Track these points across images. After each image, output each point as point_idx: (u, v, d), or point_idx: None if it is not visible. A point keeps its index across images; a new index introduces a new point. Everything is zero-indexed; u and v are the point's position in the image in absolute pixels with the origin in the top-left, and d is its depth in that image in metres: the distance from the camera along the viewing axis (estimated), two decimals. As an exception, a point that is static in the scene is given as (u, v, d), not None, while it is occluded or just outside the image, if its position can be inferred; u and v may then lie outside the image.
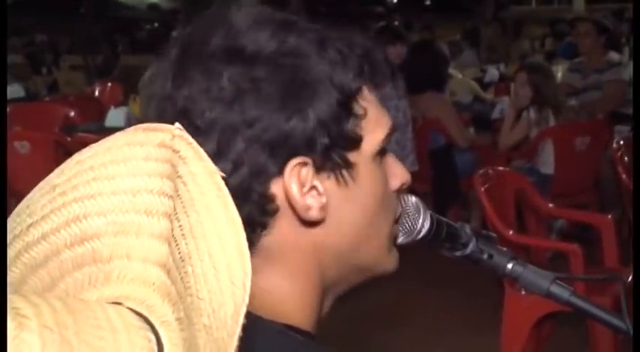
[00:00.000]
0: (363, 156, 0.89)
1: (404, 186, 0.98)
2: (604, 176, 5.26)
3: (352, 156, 0.88)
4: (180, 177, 0.63)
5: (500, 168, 4.23)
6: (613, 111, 5.79)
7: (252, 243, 0.85)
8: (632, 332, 1.02)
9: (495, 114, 6.47)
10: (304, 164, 0.85)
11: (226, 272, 0.59)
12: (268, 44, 0.85)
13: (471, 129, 6.10)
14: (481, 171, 3.78)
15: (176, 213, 0.62)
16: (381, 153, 0.93)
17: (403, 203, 1.02)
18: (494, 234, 1.13)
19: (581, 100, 5.86)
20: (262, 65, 0.84)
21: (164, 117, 0.84)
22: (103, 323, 0.53)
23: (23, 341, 0.49)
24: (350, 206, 0.90)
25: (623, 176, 4.22)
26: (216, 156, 0.81)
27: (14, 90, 7.95)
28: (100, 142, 0.67)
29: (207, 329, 0.58)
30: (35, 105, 7.82)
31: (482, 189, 3.60)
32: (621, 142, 4.48)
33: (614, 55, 6.11)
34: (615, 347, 3.30)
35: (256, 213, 0.85)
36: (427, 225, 1.04)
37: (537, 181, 4.64)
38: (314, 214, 0.87)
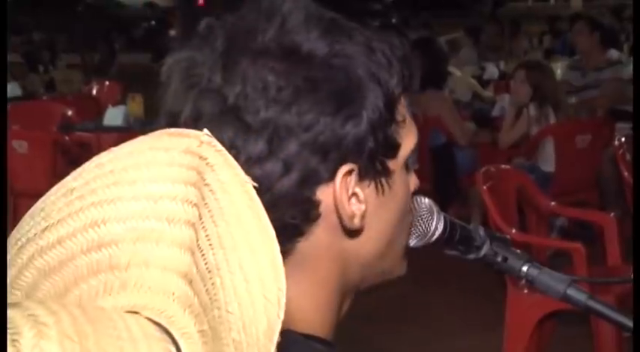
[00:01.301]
0: (398, 164, 0.88)
1: (414, 191, 0.97)
2: (605, 174, 5.25)
3: (391, 164, 0.87)
4: (207, 185, 0.61)
5: (502, 166, 4.22)
6: (613, 108, 5.77)
7: (287, 250, 0.82)
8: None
9: (495, 112, 6.46)
10: (351, 171, 0.83)
11: (259, 286, 0.58)
12: (321, 44, 0.82)
13: (471, 127, 6.08)
14: (483, 169, 3.76)
15: (202, 222, 0.60)
16: (408, 160, 0.91)
17: (417, 205, 1.01)
18: (507, 236, 1.11)
19: (581, 98, 5.85)
20: (318, 66, 0.81)
21: (204, 110, 0.80)
22: (123, 333, 0.51)
23: (42, 350, 0.48)
24: (384, 214, 0.88)
25: (626, 173, 4.21)
26: (265, 157, 0.79)
27: (11, 89, 7.91)
28: (122, 145, 0.65)
29: (236, 344, 0.56)
30: (32, 104, 7.79)
31: (485, 187, 3.58)
32: (623, 139, 4.47)
33: (613, 53, 6.11)
34: (619, 346, 3.28)
35: (300, 219, 0.82)
36: (441, 228, 1.02)
37: (538, 179, 4.63)
38: (357, 222, 0.84)
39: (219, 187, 0.61)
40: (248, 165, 0.77)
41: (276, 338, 0.55)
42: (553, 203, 4.06)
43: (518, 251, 1.10)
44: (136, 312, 0.55)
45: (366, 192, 0.85)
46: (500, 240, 1.09)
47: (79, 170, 0.65)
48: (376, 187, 0.86)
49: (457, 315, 4.40)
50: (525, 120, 5.10)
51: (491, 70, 9.07)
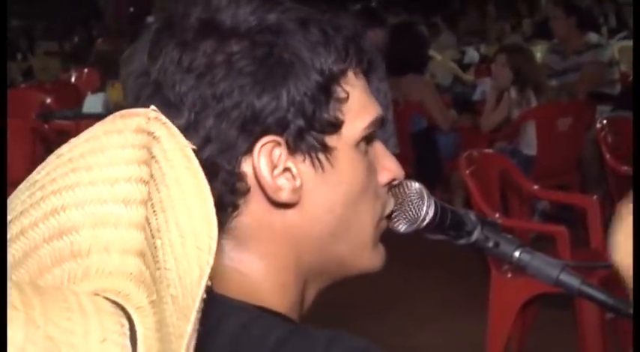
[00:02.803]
0: (343, 142, 0.87)
1: (395, 181, 0.95)
2: (586, 156, 5.27)
3: (331, 141, 0.86)
4: (153, 157, 0.63)
5: (485, 150, 4.21)
6: (594, 91, 5.78)
7: (222, 222, 0.82)
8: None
9: (476, 96, 6.47)
10: (277, 144, 0.83)
11: (192, 239, 0.59)
12: (247, 20, 0.83)
13: (453, 111, 6.08)
14: (466, 154, 3.75)
15: (149, 195, 0.61)
16: (367, 140, 0.89)
17: (407, 190, 0.99)
18: (499, 221, 1.09)
19: (562, 82, 5.86)
20: (238, 40, 0.83)
21: (142, 93, 0.83)
22: (74, 306, 0.52)
23: None
24: (327, 191, 0.87)
25: (607, 156, 4.21)
26: (187, 131, 0.79)
27: (-12, 77, 7.81)
28: (80, 135, 0.66)
29: (173, 299, 0.57)
30: (11, 92, 7.67)
31: (468, 171, 3.57)
32: (605, 122, 4.47)
33: (593, 37, 6.10)
34: (602, 329, 3.29)
35: (225, 191, 0.83)
36: (431, 213, 1.00)
37: (520, 163, 4.63)
38: (285, 196, 0.84)
39: (162, 156, 0.63)
40: None
41: (204, 281, 0.56)
42: (536, 186, 4.06)
43: (510, 236, 1.08)
44: (96, 294, 0.56)
45: (300, 167, 0.85)
46: (491, 225, 1.07)
47: (43, 163, 0.66)
48: (313, 163, 0.85)
49: (441, 300, 4.40)
50: (507, 103, 5.10)
51: (472, 54, 9.09)
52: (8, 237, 0.61)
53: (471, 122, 5.75)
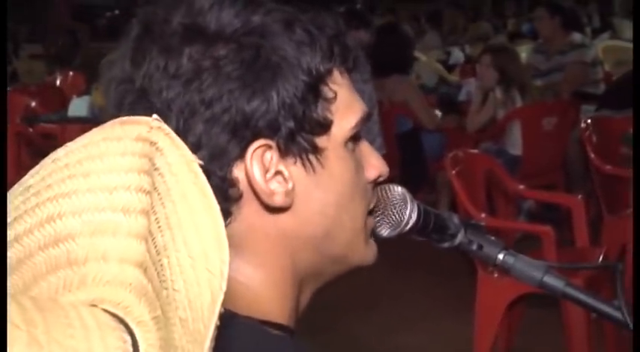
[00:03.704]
0: (333, 142, 0.86)
1: (381, 178, 0.94)
2: (571, 155, 5.28)
3: (321, 141, 0.85)
4: (157, 169, 0.61)
5: (471, 150, 4.22)
6: (578, 90, 5.81)
7: None
8: (630, 323, 0.97)
9: (462, 97, 6.47)
10: (268, 147, 0.82)
11: (203, 261, 0.57)
12: (232, 23, 0.82)
13: (438, 112, 6.08)
14: (451, 154, 3.76)
15: (153, 207, 0.59)
16: (354, 139, 0.89)
17: (389, 194, 0.98)
18: (483, 223, 1.09)
19: (546, 82, 5.87)
20: (224, 44, 0.81)
21: (125, 99, 0.81)
22: (75, 322, 0.51)
23: None
24: (319, 193, 0.86)
25: (592, 155, 4.22)
26: None
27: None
28: (77, 139, 0.65)
29: (182, 323, 0.55)
30: (-5, 96, 7.65)
31: (454, 171, 3.57)
32: (589, 121, 4.48)
33: (576, 36, 6.12)
34: (588, 328, 3.30)
35: (218, 198, 0.81)
36: (414, 217, 0.99)
37: (505, 162, 4.63)
38: (278, 200, 0.83)
39: (167, 170, 0.61)
40: None
41: (217, 309, 0.54)
42: (521, 186, 4.07)
43: (493, 238, 1.07)
44: (94, 305, 0.54)
45: (291, 169, 0.84)
46: (474, 228, 1.07)
47: (36, 167, 0.64)
48: (304, 165, 0.84)
49: (427, 300, 4.40)
50: (492, 104, 5.11)
51: (457, 55, 9.10)
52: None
53: (457, 122, 5.76)
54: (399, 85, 5.59)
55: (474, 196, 3.65)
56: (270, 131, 0.81)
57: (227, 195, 0.81)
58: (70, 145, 0.64)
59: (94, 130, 0.65)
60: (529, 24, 10.21)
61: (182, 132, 0.79)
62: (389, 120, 5.56)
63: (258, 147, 0.81)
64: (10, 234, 0.60)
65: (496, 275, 3.33)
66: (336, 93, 0.85)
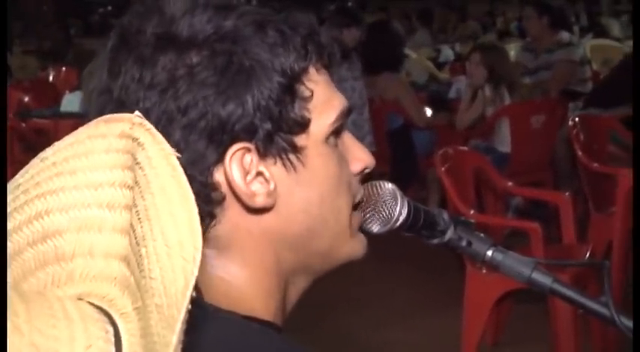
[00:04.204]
0: (313, 140, 0.86)
1: (367, 170, 0.94)
2: (559, 153, 5.30)
3: (300, 140, 0.85)
4: (138, 163, 0.62)
5: (460, 147, 4.22)
6: (566, 89, 5.82)
7: (202, 233, 0.81)
8: (617, 319, 0.98)
9: (451, 94, 6.47)
10: (247, 150, 0.82)
11: (178, 249, 0.58)
12: (204, 29, 0.82)
13: (428, 109, 6.09)
14: (441, 151, 3.76)
15: (134, 201, 0.61)
16: (336, 134, 0.89)
17: (380, 191, 0.98)
18: (472, 220, 1.09)
19: (534, 80, 5.89)
20: (197, 51, 0.81)
21: (105, 109, 0.81)
22: (58, 313, 0.51)
23: None
24: (302, 191, 0.86)
25: (579, 153, 4.23)
26: None
27: (-34, 75, 7.72)
28: (65, 138, 0.65)
29: (158, 309, 0.56)
30: (-12, 91, 7.61)
31: (443, 168, 3.58)
32: (577, 120, 4.49)
33: (564, 35, 6.14)
34: (574, 323, 3.31)
35: (201, 202, 0.80)
36: (404, 213, 0.99)
37: (494, 160, 4.64)
38: (260, 201, 0.83)
39: (147, 163, 0.62)
40: None
41: (189, 292, 0.55)
42: (510, 183, 4.08)
43: (482, 234, 1.07)
44: (80, 299, 0.55)
45: (272, 170, 0.84)
46: (464, 224, 1.07)
47: (26, 166, 0.65)
48: (284, 164, 0.84)
49: (417, 296, 4.40)
50: (481, 101, 5.12)
51: (447, 53, 9.11)
52: None
53: (447, 120, 5.76)
54: (390, 82, 5.59)
55: (463, 193, 3.65)
56: (248, 134, 0.82)
57: (210, 199, 0.82)
58: (57, 144, 0.65)
59: (80, 129, 0.66)
60: (517, 23, 10.24)
61: None
62: (380, 118, 5.56)
63: (237, 150, 0.81)
64: None
65: (484, 271, 3.34)
66: (312, 92, 0.85)
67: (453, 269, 3.97)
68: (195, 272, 0.56)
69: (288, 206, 0.85)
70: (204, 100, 0.80)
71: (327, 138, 0.87)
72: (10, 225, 0.60)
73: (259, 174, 0.83)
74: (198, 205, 0.81)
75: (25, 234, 0.59)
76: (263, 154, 0.83)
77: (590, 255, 3.49)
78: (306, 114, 0.85)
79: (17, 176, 0.65)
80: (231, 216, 0.84)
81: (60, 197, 0.60)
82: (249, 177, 0.82)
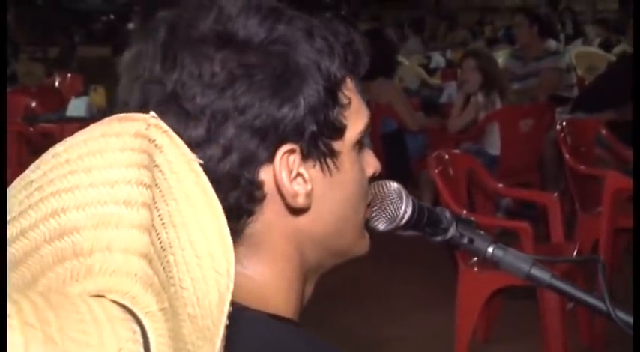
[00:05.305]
0: (346, 145, 0.87)
1: (375, 174, 0.96)
2: (546, 156, 5.31)
3: (337, 145, 0.86)
4: (157, 166, 0.61)
5: (453, 150, 4.23)
6: (553, 94, 5.84)
7: (238, 231, 0.83)
8: (612, 313, 0.99)
9: (443, 99, 6.48)
10: (292, 151, 0.82)
11: (209, 261, 0.57)
12: (258, 31, 0.82)
13: (420, 114, 6.09)
14: (435, 154, 3.77)
15: (155, 203, 0.59)
16: (360, 142, 0.90)
17: (385, 189, 0.99)
18: (472, 219, 1.10)
19: (522, 86, 5.90)
20: (254, 52, 0.81)
21: (149, 100, 0.80)
22: (86, 316, 0.50)
23: (6, 340, 0.46)
24: (334, 194, 0.87)
25: (567, 156, 4.24)
26: (205, 142, 0.79)
27: (-26, 81, 7.70)
28: (76, 134, 0.64)
29: (191, 319, 0.55)
30: (-4, 96, 7.59)
31: (437, 170, 3.59)
32: (564, 124, 4.50)
33: (551, 44, 6.16)
34: (562, 319, 3.32)
35: (244, 199, 0.82)
36: (409, 211, 1.00)
37: (485, 162, 4.65)
38: (301, 201, 0.84)
39: (167, 167, 0.61)
40: (190, 149, 0.76)
41: (227, 308, 0.55)
42: (500, 184, 4.09)
43: (482, 232, 1.08)
44: (101, 296, 0.54)
45: (311, 172, 0.84)
46: (465, 222, 1.08)
47: (37, 162, 0.63)
48: (322, 168, 0.85)
49: (412, 293, 4.41)
50: (474, 106, 5.12)
51: (437, 59, 9.12)
52: (8, 237, 0.59)
53: (439, 124, 5.77)
54: (384, 87, 5.60)
55: (455, 194, 3.66)
56: (295, 135, 0.82)
57: (253, 197, 0.82)
58: (69, 140, 0.64)
59: (93, 126, 0.64)
60: (505, 30, 10.26)
61: (213, 137, 0.79)
62: (374, 122, 5.54)
63: (286, 151, 0.82)
64: (17, 228, 0.60)
65: (476, 269, 3.35)
66: (350, 99, 0.86)
67: (448, 268, 3.97)
68: (231, 287, 0.56)
69: (319, 207, 0.86)
70: (261, 101, 0.80)
71: (354, 145, 0.88)
72: (26, 223, 0.59)
73: (299, 175, 0.83)
74: (241, 202, 0.81)
75: (42, 231, 0.59)
76: (305, 156, 0.83)
77: (577, 253, 3.50)
78: (343, 120, 0.85)
79: (28, 171, 0.63)
80: (267, 214, 0.84)
81: (76, 195, 0.59)
82: (291, 177, 0.83)
